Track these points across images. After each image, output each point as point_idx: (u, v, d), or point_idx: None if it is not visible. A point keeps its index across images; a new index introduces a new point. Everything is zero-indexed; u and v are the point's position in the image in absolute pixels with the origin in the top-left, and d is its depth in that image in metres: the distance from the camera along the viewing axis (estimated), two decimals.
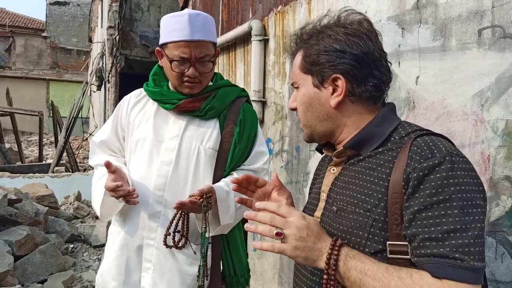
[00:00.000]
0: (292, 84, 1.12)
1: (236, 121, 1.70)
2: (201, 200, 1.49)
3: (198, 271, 1.58)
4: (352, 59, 0.99)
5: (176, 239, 1.60)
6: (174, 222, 1.58)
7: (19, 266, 3.84)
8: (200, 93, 1.68)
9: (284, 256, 2.89)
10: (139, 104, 1.76)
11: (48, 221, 4.93)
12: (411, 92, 1.69)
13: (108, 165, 1.51)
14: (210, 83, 1.74)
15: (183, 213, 1.58)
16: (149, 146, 1.66)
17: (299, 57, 1.08)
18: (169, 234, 1.59)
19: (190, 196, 1.51)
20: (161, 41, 1.63)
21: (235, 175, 1.68)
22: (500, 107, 1.33)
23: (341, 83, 1.01)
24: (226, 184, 1.62)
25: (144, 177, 1.65)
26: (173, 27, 1.57)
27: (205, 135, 1.68)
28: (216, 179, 1.67)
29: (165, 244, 1.59)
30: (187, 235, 1.61)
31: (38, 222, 4.49)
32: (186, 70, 1.59)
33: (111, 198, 1.58)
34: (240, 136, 1.69)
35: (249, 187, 1.20)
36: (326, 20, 1.08)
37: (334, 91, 1.03)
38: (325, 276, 0.90)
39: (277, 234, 0.90)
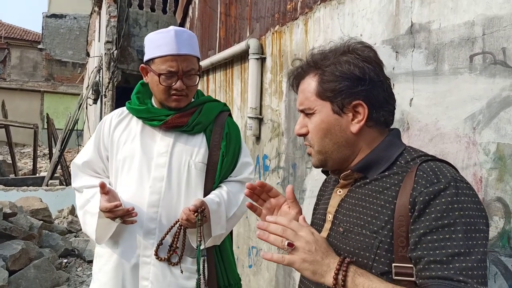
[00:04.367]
0: (303, 110, 1.10)
1: (222, 134, 1.76)
2: (195, 214, 1.53)
3: (196, 284, 1.60)
4: (371, 86, 1.02)
5: (169, 253, 1.63)
6: (170, 238, 1.62)
7: (13, 281, 3.81)
8: (186, 108, 1.72)
9: (280, 273, 2.91)
10: (122, 123, 1.77)
11: (42, 235, 4.90)
12: (405, 113, 1.73)
13: (103, 185, 1.52)
14: (193, 99, 1.78)
15: (179, 229, 1.62)
16: (138, 163, 1.68)
17: (312, 83, 1.07)
18: (161, 244, 1.62)
19: (183, 211, 1.55)
20: (146, 57, 1.67)
21: (224, 187, 1.73)
22: (491, 130, 1.37)
23: (362, 109, 1.03)
24: (216, 196, 1.67)
25: (136, 194, 1.65)
26: (160, 43, 1.62)
27: (194, 150, 1.72)
28: (206, 192, 1.70)
29: (157, 255, 1.61)
30: (183, 252, 1.64)
31: (32, 236, 4.47)
32: (173, 84, 1.63)
33: (105, 219, 1.58)
34: (227, 148, 1.75)
35: (261, 196, 1.21)
36: (332, 46, 1.09)
37: (354, 117, 1.04)
38: None
39: (289, 244, 0.93)
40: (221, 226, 1.67)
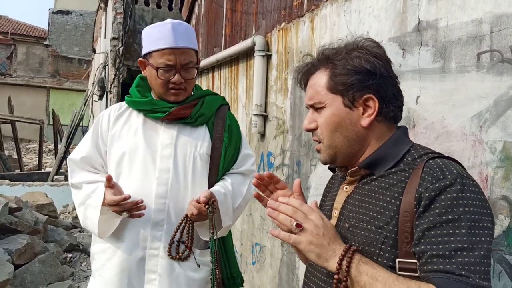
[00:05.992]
0: (313, 105, 1.11)
1: (224, 126, 1.77)
2: (206, 206, 1.54)
3: (212, 275, 1.62)
4: (382, 80, 1.03)
5: (180, 250, 1.63)
6: (179, 231, 1.62)
7: (18, 275, 3.84)
8: (187, 101, 1.72)
9: (283, 270, 2.91)
10: (122, 118, 1.75)
11: (47, 230, 4.93)
12: (412, 111, 1.73)
13: (109, 178, 1.52)
14: (192, 93, 1.78)
15: (187, 223, 1.62)
16: (142, 155, 1.66)
17: (323, 77, 1.08)
18: (173, 242, 1.61)
19: (193, 204, 1.55)
20: (144, 51, 1.66)
21: (228, 179, 1.74)
22: (498, 128, 1.37)
23: (373, 103, 1.04)
24: (221, 187, 1.68)
25: (142, 186, 1.64)
26: (157, 36, 1.62)
27: (198, 141, 1.72)
28: (211, 184, 1.71)
29: (170, 254, 1.61)
30: (191, 246, 1.64)
31: (38, 231, 4.50)
32: (171, 77, 1.62)
33: (108, 213, 1.57)
34: (230, 140, 1.76)
35: (269, 187, 1.23)
36: (342, 43, 1.11)
37: (364, 111, 1.05)
38: (335, 277, 0.92)
39: (297, 225, 0.94)
40: (229, 217, 1.69)
